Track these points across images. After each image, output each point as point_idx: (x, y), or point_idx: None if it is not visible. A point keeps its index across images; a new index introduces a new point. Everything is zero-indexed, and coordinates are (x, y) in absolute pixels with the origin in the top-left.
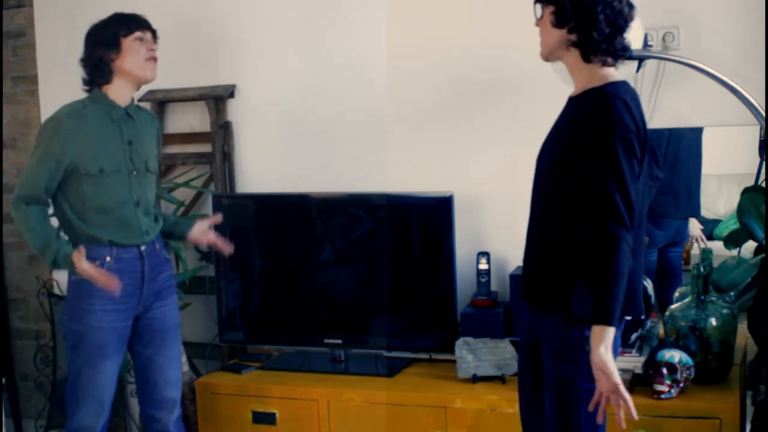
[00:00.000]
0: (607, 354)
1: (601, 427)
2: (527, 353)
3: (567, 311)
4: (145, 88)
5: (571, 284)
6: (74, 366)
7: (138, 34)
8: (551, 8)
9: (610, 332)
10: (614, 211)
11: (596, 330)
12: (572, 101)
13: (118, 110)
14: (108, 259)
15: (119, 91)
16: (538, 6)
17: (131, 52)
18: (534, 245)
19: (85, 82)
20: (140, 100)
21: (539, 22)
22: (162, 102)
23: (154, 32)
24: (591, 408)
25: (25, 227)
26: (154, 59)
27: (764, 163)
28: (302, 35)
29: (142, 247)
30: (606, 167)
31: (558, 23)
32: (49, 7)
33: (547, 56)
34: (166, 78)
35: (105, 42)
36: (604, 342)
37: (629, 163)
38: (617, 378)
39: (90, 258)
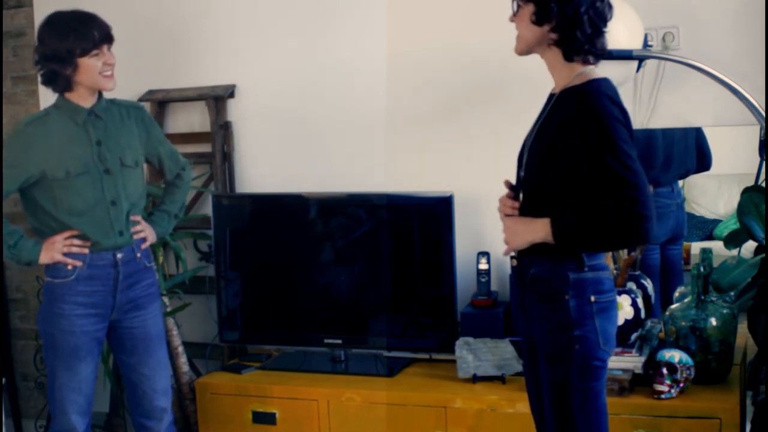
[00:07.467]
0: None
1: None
2: (528, 356)
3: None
4: (144, 88)
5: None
6: (50, 368)
7: (94, 52)
8: (531, 6)
9: (545, 235)
10: (624, 182)
11: (545, 226)
12: (554, 98)
13: (82, 113)
14: (80, 264)
15: (82, 95)
16: (516, 1)
17: (88, 69)
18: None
19: (44, 84)
20: (140, 100)
21: (515, 17)
22: (162, 102)
23: (111, 40)
24: None
25: None
26: (112, 74)
27: (764, 163)
28: (302, 35)
29: (119, 255)
30: (604, 153)
31: (539, 21)
32: (49, 7)
33: (523, 52)
34: (166, 78)
35: (59, 59)
36: (535, 232)
37: (624, 141)
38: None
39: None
